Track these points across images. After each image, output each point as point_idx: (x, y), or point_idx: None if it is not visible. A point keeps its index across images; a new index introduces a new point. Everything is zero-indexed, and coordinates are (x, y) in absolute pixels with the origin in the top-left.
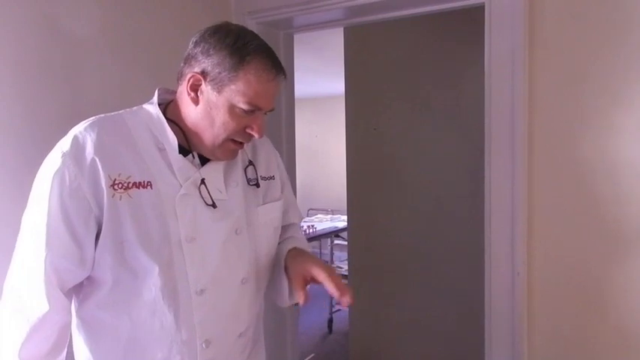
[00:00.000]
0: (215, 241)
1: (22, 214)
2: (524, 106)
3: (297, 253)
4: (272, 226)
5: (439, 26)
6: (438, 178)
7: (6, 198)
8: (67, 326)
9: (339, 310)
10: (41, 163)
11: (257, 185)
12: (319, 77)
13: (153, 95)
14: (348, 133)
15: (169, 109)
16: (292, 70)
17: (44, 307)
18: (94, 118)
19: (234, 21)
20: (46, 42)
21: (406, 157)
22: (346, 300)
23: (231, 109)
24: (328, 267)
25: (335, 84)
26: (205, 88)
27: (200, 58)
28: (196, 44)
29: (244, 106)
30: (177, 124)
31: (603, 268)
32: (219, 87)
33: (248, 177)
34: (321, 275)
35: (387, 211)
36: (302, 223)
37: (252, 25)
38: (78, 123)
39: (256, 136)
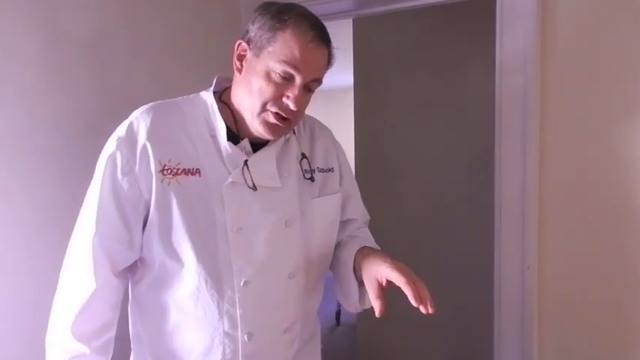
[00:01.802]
0: (263, 232)
1: (22, 213)
2: (536, 100)
3: (368, 252)
4: (328, 219)
5: (450, 17)
6: (449, 171)
7: (7, 197)
8: (116, 305)
9: None
10: (43, 162)
11: (312, 179)
12: (328, 70)
13: (162, 91)
14: (357, 126)
15: (225, 94)
16: None
17: (92, 285)
18: (152, 103)
19: (243, 14)
20: (48, 41)
21: (416, 150)
22: (424, 308)
23: (268, 74)
24: (405, 269)
25: (343, 76)
26: (249, 55)
27: (249, 27)
28: (250, 18)
29: (279, 68)
30: (230, 109)
31: (615, 262)
32: (258, 50)
33: (303, 170)
34: (399, 279)
35: (396, 203)
36: None
37: None
38: (90, 120)
39: (291, 106)
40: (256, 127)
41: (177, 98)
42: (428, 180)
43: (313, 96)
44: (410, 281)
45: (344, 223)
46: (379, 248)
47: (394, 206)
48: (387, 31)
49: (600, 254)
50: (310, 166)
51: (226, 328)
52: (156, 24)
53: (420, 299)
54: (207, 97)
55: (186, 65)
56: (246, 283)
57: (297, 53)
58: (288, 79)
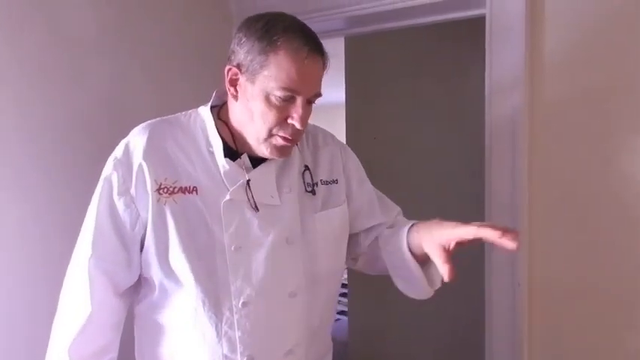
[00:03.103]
0: (262, 250)
1: (26, 216)
2: (525, 118)
3: (419, 227)
4: (332, 234)
5: (441, 34)
6: (440, 187)
7: (9, 199)
8: (117, 325)
9: (338, 319)
10: (47, 164)
11: (313, 192)
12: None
13: (157, 94)
14: (348, 142)
15: (223, 110)
16: None
17: (87, 308)
18: (149, 121)
19: (234, 29)
20: (45, 44)
21: (407, 166)
22: (511, 242)
23: (267, 98)
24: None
25: (335, 93)
26: (242, 80)
27: (236, 49)
28: (234, 37)
29: (279, 93)
30: (228, 126)
31: (606, 280)
32: (252, 76)
33: (305, 183)
34: (468, 231)
35: None
36: None
37: None
38: (83, 126)
39: (297, 125)
40: (264, 151)
41: (175, 114)
42: (420, 194)
43: None
44: (481, 225)
45: (369, 229)
46: None
47: None
48: (378, 48)
49: (591, 271)
50: (312, 179)
51: (225, 351)
52: (149, 27)
53: (503, 232)
54: (205, 112)
55: (180, 67)
56: (244, 304)
57: (294, 74)
58: (288, 100)
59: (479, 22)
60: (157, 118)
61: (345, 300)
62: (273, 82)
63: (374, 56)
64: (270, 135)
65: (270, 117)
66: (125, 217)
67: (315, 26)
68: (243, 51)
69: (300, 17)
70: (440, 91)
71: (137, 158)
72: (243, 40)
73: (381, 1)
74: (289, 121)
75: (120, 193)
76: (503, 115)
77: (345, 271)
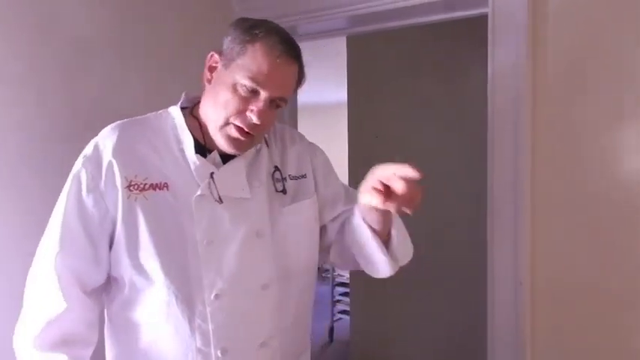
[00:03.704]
0: (233, 243)
1: (22, 215)
2: (527, 116)
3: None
4: (302, 226)
5: (443, 33)
6: (441, 185)
7: (4, 198)
8: (93, 324)
9: (340, 319)
10: (41, 164)
11: (284, 192)
12: (321, 85)
13: (154, 96)
14: (351, 142)
15: (196, 107)
16: None
17: (61, 304)
18: (119, 122)
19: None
20: (46, 43)
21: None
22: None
23: (234, 86)
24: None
25: (337, 92)
26: (219, 66)
27: (223, 40)
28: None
29: (245, 82)
30: (199, 122)
31: (609, 279)
32: (228, 62)
33: (274, 180)
34: (387, 170)
35: None
36: None
37: None
38: (77, 125)
39: (254, 119)
40: (219, 141)
41: (147, 115)
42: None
43: (310, 110)
44: (398, 179)
45: (334, 219)
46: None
47: None
48: (381, 47)
49: (594, 270)
50: (282, 176)
51: (199, 344)
52: (148, 28)
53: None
54: (175, 111)
55: (180, 68)
56: (217, 296)
57: (264, 68)
58: (253, 92)
59: (480, 21)
60: (126, 119)
61: (347, 300)
62: (243, 71)
63: (376, 55)
64: (227, 123)
65: (231, 105)
66: (94, 214)
67: (316, 25)
68: (227, 40)
69: (301, 17)
70: (441, 90)
71: (107, 156)
72: (231, 31)
73: (383, 0)
74: (248, 113)
75: (89, 190)
76: (505, 113)
77: (347, 271)
